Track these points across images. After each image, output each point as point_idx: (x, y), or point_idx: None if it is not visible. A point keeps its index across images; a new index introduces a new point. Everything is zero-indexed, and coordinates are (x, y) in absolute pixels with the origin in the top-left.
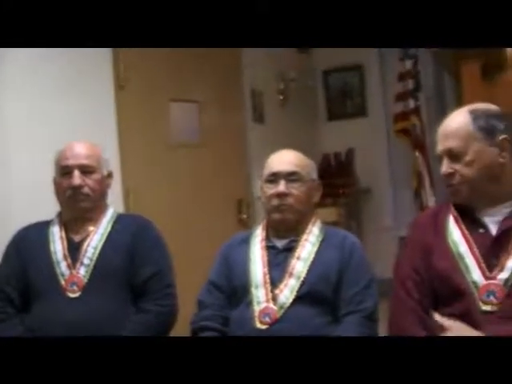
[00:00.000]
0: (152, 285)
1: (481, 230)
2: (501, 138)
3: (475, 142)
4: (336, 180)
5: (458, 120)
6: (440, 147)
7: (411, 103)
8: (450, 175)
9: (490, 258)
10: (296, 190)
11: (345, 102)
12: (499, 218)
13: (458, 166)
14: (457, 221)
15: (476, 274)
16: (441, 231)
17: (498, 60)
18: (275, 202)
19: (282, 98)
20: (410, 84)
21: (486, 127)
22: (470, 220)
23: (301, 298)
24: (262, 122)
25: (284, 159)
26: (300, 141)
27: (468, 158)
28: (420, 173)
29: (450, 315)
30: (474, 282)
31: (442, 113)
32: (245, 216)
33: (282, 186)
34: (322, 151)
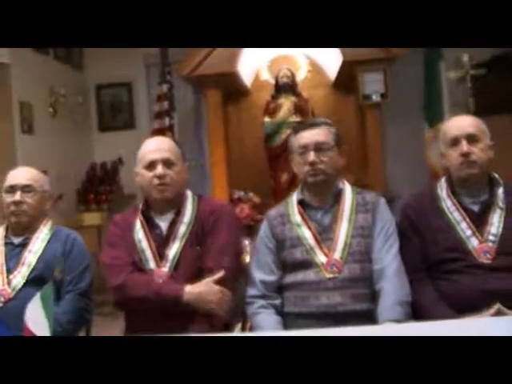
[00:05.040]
0: None
1: (157, 231)
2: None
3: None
4: (100, 187)
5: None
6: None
7: (166, 121)
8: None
9: (163, 249)
10: (30, 198)
11: (115, 115)
12: (166, 222)
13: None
14: (142, 223)
15: (152, 264)
16: (130, 230)
17: (238, 87)
18: (11, 208)
19: (52, 110)
20: (166, 105)
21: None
22: (151, 223)
23: (30, 281)
24: (31, 133)
25: (20, 174)
26: (71, 151)
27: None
28: None
29: None
30: (150, 269)
31: (197, 130)
32: None
33: (17, 196)
34: (93, 160)
